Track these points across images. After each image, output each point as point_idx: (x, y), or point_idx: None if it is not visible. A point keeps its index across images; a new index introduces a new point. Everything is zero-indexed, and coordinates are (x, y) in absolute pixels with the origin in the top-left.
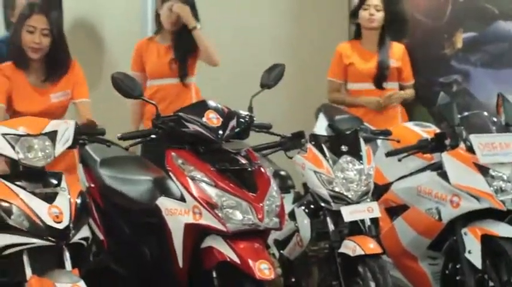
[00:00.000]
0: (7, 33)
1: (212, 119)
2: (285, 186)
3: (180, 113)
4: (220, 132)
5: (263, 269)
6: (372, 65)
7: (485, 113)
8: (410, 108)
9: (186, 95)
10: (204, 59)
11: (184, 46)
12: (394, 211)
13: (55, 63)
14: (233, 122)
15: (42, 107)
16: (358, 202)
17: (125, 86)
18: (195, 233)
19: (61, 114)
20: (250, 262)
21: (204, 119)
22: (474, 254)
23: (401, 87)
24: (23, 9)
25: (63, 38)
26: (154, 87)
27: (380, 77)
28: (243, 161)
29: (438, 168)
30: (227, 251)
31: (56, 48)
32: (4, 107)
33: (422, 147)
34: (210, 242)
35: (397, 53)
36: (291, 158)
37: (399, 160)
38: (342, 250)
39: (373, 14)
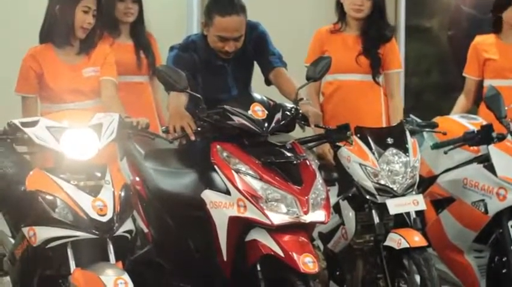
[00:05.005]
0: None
1: (257, 111)
2: (330, 178)
3: (225, 106)
4: (266, 125)
5: (307, 262)
6: None
7: None
8: None
9: (375, 94)
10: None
11: (376, 37)
12: (440, 203)
13: (90, 38)
14: (278, 115)
15: (74, 82)
16: (403, 195)
17: (170, 79)
18: (240, 226)
19: (94, 91)
20: (295, 255)
21: (249, 112)
22: None
23: None
24: None
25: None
26: (335, 82)
27: None
28: (289, 154)
29: (485, 160)
30: (271, 245)
31: (95, 26)
32: (36, 98)
33: (469, 139)
34: (254, 235)
35: None
36: (338, 148)
37: (445, 152)
38: (387, 242)
39: None
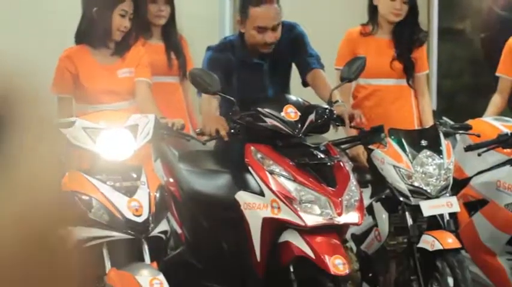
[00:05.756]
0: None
1: (290, 113)
2: (363, 180)
3: (258, 108)
4: (299, 126)
5: (337, 264)
6: None
7: None
8: None
9: (407, 98)
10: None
11: (410, 42)
12: (473, 205)
13: (125, 40)
14: (312, 116)
15: (110, 83)
16: (437, 197)
17: (203, 82)
18: (273, 227)
19: (129, 92)
20: (325, 257)
21: (282, 114)
22: None
23: None
24: None
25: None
26: (369, 87)
27: None
28: (322, 155)
29: None
30: (303, 246)
31: (131, 28)
32: (72, 98)
33: (502, 141)
34: (286, 236)
35: None
36: (372, 150)
37: (479, 155)
38: (420, 244)
39: None
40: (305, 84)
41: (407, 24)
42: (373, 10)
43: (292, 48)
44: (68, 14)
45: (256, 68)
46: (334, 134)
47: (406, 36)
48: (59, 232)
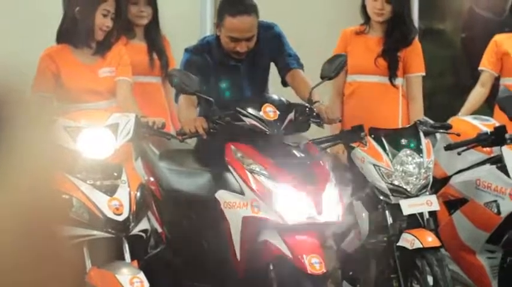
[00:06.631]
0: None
1: (269, 112)
2: (343, 179)
3: (238, 108)
4: (277, 125)
5: (314, 263)
6: None
7: None
8: None
9: (392, 96)
10: None
11: (396, 40)
12: (453, 204)
13: (107, 39)
14: (291, 115)
15: (91, 82)
16: (417, 195)
17: (181, 82)
18: (253, 226)
19: (110, 91)
20: (302, 256)
21: (260, 113)
22: None
23: None
24: None
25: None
26: (354, 83)
27: None
28: (303, 154)
29: (498, 161)
30: (281, 246)
31: (112, 28)
32: (53, 97)
33: (482, 140)
34: (265, 236)
35: None
36: (352, 149)
37: (458, 154)
38: (400, 243)
39: None
40: (284, 84)
41: (395, 23)
42: (365, 10)
43: (270, 49)
44: (50, 13)
45: (233, 70)
46: (320, 132)
47: (395, 34)
48: (52, 229)
